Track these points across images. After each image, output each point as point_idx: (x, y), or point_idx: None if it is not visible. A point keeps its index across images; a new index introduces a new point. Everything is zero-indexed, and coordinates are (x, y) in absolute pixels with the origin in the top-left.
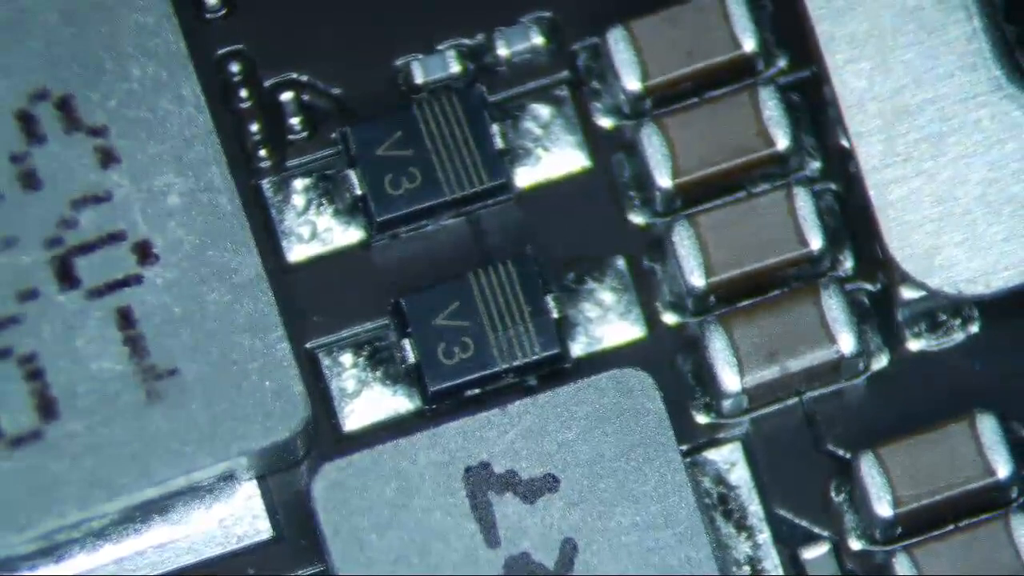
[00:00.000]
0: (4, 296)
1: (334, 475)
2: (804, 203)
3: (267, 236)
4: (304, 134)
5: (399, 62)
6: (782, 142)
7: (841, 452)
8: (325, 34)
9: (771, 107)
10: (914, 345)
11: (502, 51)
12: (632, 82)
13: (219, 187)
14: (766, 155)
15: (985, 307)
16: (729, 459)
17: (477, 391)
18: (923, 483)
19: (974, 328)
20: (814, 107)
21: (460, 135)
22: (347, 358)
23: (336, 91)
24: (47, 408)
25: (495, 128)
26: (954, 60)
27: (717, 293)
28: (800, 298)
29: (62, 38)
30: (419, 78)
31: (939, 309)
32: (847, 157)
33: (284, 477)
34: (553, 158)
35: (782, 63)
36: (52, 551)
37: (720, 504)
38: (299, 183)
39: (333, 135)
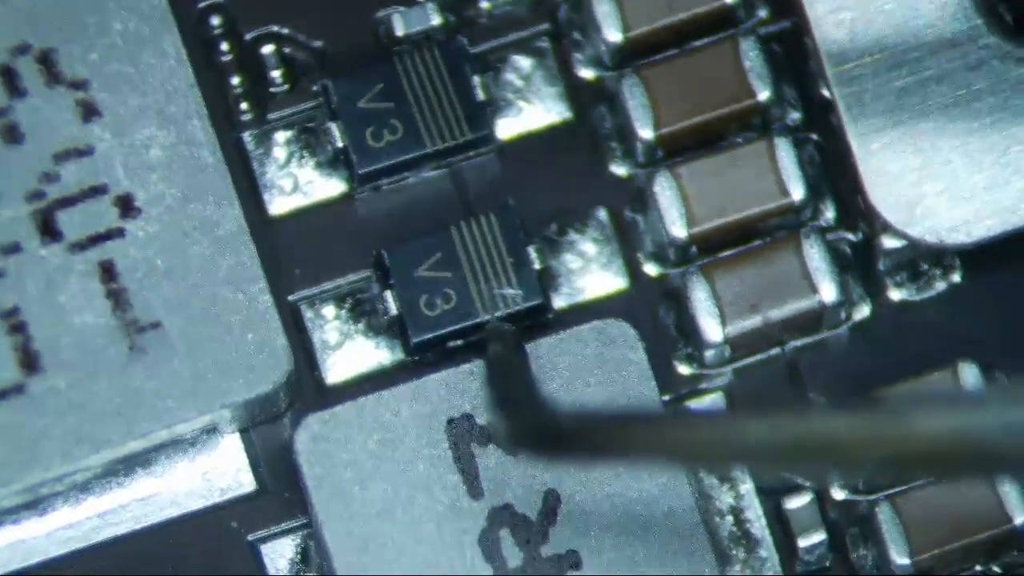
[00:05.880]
0: None
1: (317, 427)
2: (785, 154)
3: (249, 189)
4: (285, 87)
5: (380, 14)
6: (763, 93)
7: (824, 401)
8: None
9: (752, 58)
10: (896, 295)
11: (483, 3)
12: (613, 33)
13: (201, 140)
14: (747, 106)
15: (967, 256)
16: (712, 409)
17: (460, 342)
18: None
19: (956, 277)
20: (795, 58)
21: (441, 87)
22: (329, 310)
23: (317, 44)
24: (30, 362)
25: (476, 80)
26: (935, 10)
27: (699, 244)
28: (782, 248)
29: None
30: (400, 30)
31: (920, 258)
32: (828, 108)
33: (267, 430)
34: (535, 110)
35: (763, 14)
36: (35, 505)
37: None
38: (280, 136)
39: (314, 88)
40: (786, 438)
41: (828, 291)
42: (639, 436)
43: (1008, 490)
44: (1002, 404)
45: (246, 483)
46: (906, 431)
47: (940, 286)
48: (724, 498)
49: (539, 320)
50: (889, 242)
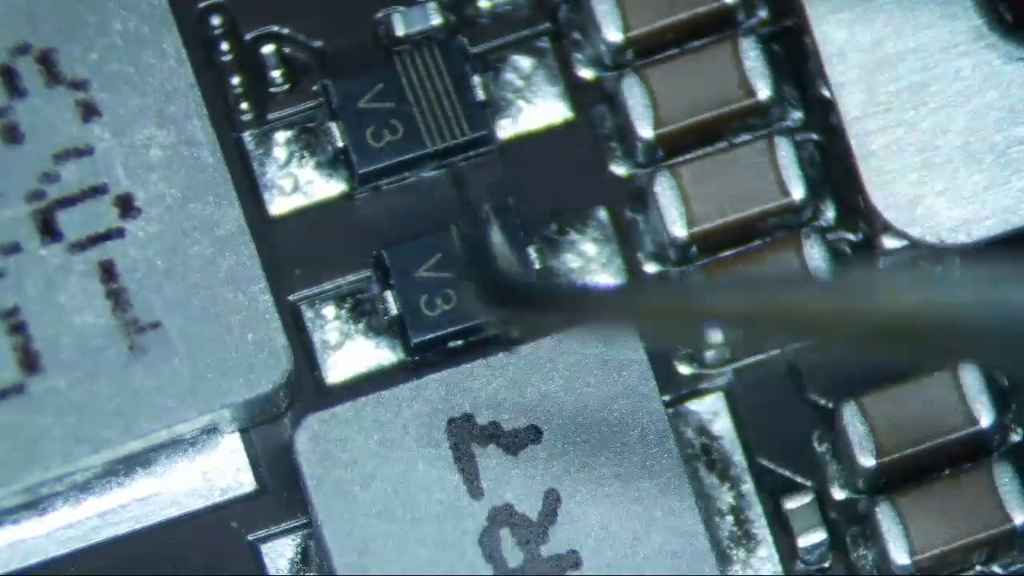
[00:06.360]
0: None
1: (317, 427)
2: (786, 153)
3: (249, 189)
4: (285, 87)
5: (380, 14)
6: (763, 92)
7: (823, 402)
8: None
9: (752, 58)
10: None
11: (483, 2)
12: (613, 33)
13: (201, 140)
14: (747, 105)
15: (967, 256)
16: (712, 409)
17: (460, 343)
18: (906, 432)
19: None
20: (795, 58)
21: (441, 87)
22: (329, 310)
23: (317, 44)
24: (30, 362)
25: (476, 80)
26: (935, 9)
27: (699, 243)
28: (782, 248)
29: None
30: (400, 30)
31: (921, 258)
32: (828, 107)
33: (267, 430)
34: (535, 109)
35: (763, 14)
36: (35, 504)
37: (703, 454)
38: (281, 136)
39: (315, 88)
40: (757, 305)
41: None
42: (604, 299)
43: (1008, 490)
44: (975, 284)
45: (246, 483)
46: (879, 304)
47: None
48: (725, 498)
49: None
50: (889, 242)
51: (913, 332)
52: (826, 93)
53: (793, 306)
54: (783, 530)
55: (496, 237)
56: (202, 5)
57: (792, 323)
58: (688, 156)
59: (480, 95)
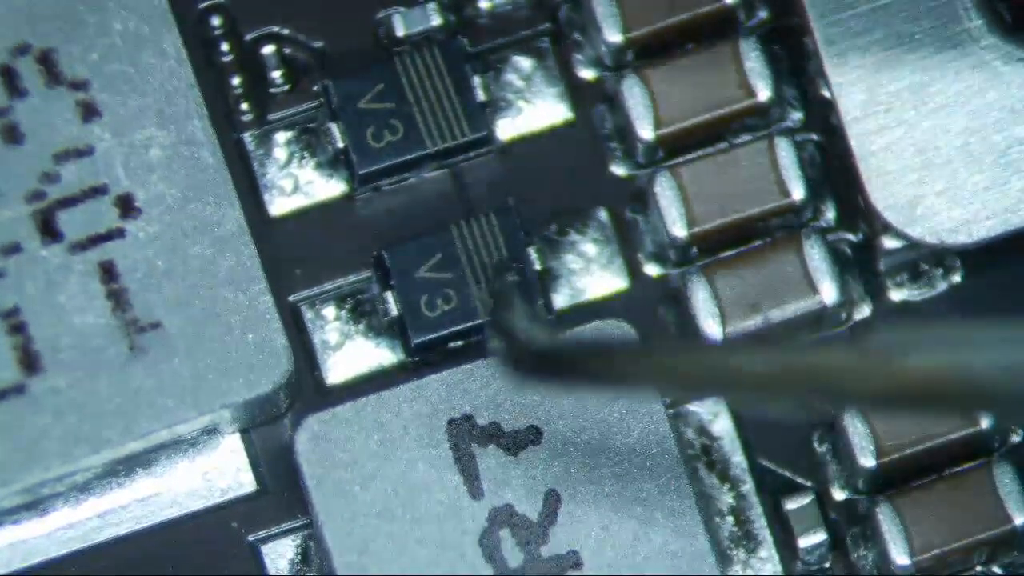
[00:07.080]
0: None
1: (317, 428)
2: (786, 154)
3: (249, 189)
4: (286, 87)
5: (380, 15)
6: (764, 93)
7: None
8: None
9: (753, 58)
10: (896, 295)
11: (483, 3)
12: (613, 34)
13: (201, 140)
14: (748, 106)
15: (967, 257)
16: (712, 410)
17: (460, 343)
18: (906, 433)
19: (956, 278)
20: (795, 57)
21: (442, 87)
22: (330, 311)
23: (317, 44)
24: (30, 362)
25: (477, 80)
26: (935, 10)
27: (699, 244)
28: (782, 248)
29: None
30: (400, 31)
31: (921, 259)
32: (828, 107)
33: (267, 430)
34: (535, 110)
35: (763, 14)
36: (35, 505)
37: (703, 455)
38: (281, 136)
39: (315, 88)
40: (777, 367)
41: (828, 291)
42: (625, 359)
43: (1008, 490)
44: (997, 343)
45: (246, 483)
46: (900, 365)
47: (941, 286)
48: (724, 498)
49: None
50: (889, 242)
51: (932, 392)
52: (826, 93)
53: (813, 367)
54: (783, 530)
55: (518, 302)
56: (202, 5)
57: (812, 383)
58: (688, 156)
59: (480, 95)
